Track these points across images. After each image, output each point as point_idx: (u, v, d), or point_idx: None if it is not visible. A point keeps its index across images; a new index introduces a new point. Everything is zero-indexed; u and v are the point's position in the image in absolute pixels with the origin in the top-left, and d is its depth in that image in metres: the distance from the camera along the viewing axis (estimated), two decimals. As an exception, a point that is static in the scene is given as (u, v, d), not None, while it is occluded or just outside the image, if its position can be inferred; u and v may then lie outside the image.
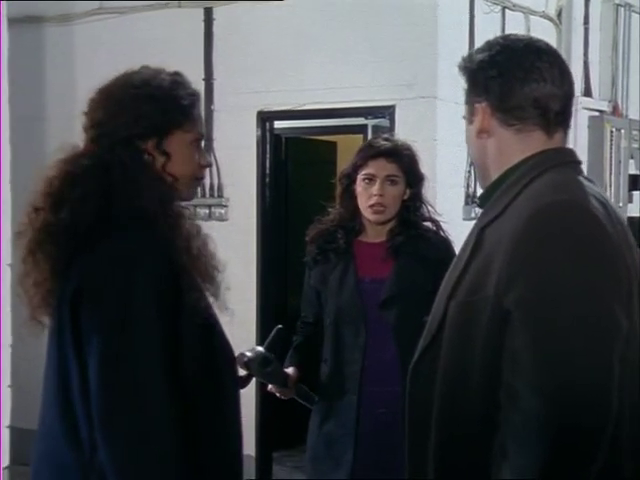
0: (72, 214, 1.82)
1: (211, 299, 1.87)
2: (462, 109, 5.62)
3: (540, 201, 1.64)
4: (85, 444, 1.77)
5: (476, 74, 1.76)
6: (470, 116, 1.79)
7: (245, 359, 2.79)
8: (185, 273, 1.80)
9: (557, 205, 1.62)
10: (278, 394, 3.00)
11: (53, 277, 1.83)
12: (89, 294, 1.77)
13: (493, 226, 1.71)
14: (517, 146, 1.74)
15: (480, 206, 1.86)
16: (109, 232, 1.81)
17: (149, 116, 1.88)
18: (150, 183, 1.85)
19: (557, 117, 1.74)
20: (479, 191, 5.80)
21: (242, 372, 2.78)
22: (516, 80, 1.72)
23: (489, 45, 1.78)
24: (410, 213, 3.04)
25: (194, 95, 1.96)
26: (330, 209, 3.13)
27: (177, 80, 1.95)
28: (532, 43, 1.77)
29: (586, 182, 1.72)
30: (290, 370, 2.98)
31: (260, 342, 5.38)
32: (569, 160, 1.76)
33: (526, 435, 1.55)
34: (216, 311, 1.89)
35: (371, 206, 2.97)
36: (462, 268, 1.73)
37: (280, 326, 2.92)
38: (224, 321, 1.90)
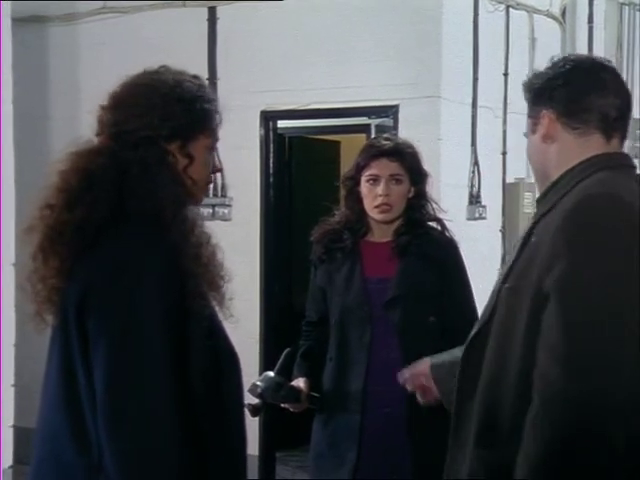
0: (86, 213, 1.80)
1: (216, 308, 1.87)
2: (466, 108, 5.55)
3: (584, 193, 1.78)
4: (93, 447, 1.76)
5: (542, 86, 1.92)
6: (533, 127, 1.94)
7: (259, 390, 2.84)
8: (192, 280, 1.79)
9: (596, 196, 1.76)
10: (292, 409, 3.01)
11: (60, 275, 1.81)
12: (95, 297, 1.75)
13: (543, 220, 1.86)
14: (577, 149, 1.87)
15: (538, 203, 1.98)
16: (120, 232, 1.80)
17: (178, 118, 1.86)
18: (169, 185, 1.83)
19: (616, 123, 1.89)
20: (483, 191, 5.77)
21: (254, 400, 2.81)
22: (582, 88, 1.88)
23: (554, 63, 1.95)
24: (415, 211, 3.04)
25: (215, 100, 1.96)
26: (335, 211, 3.12)
27: (201, 84, 1.95)
28: (596, 58, 1.98)
29: (635, 185, 1.83)
30: (301, 383, 2.99)
31: (263, 342, 5.39)
32: (623, 163, 1.89)
33: (550, 408, 1.67)
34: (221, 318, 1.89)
35: (377, 206, 2.97)
36: (514, 257, 1.89)
37: (289, 349, 2.96)
38: (228, 325, 1.90)
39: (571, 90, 1.88)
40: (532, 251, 1.83)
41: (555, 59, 1.97)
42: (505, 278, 1.89)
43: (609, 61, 1.95)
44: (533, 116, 1.94)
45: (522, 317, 1.79)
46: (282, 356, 2.92)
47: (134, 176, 1.82)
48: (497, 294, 1.90)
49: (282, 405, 2.98)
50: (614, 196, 1.76)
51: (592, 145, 1.87)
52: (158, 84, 1.88)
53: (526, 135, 2.00)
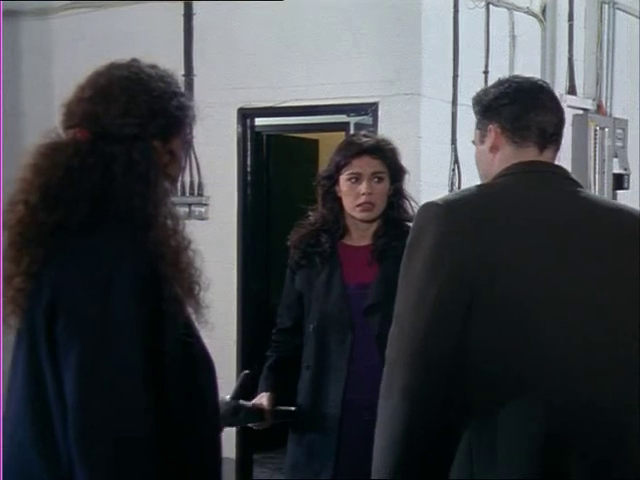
0: (67, 214, 1.72)
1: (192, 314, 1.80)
2: (446, 106, 5.53)
3: None
4: (63, 459, 1.67)
5: (490, 103, 2.18)
6: (482, 137, 2.20)
7: None
8: (168, 284, 1.72)
9: (433, 202, 2.04)
10: (256, 428, 2.94)
11: (28, 276, 1.73)
12: (66, 300, 1.67)
13: None
14: (513, 159, 2.14)
15: None
16: (95, 232, 1.72)
17: (165, 115, 1.80)
18: (156, 183, 1.77)
19: (551, 137, 2.16)
20: (464, 190, 5.65)
21: None
22: (524, 107, 2.15)
23: (500, 82, 2.22)
24: (394, 210, 2.98)
25: (189, 95, 1.92)
26: (310, 212, 3.05)
27: (175, 78, 1.91)
28: (535, 81, 2.24)
29: (513, 188, 2.08)
30: (264, 399, 2.91)
31: (240, 344, 5.32)
32: (535, 170, 2.13)
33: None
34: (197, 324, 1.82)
35: (359, 205, 2.91)
36: None
37: (247, 371, 2.88)
38: (204, 326, 1.83)
39: (514, 109, 2.14)
40: None
41: (501, 78, 2.26)
42: None
43: (546, 82, 2.26)
44: (481, 128, 2.20)
45: None
46: (239, 379, 2.83)
47: (120, 173, 1.74)
48: None
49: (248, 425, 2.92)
50: (440, 201, 2.03)
51: (525, 155, 2.14)
52: (143, 78, 1.81)
53: (474, 144, 2.26)
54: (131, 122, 1.76)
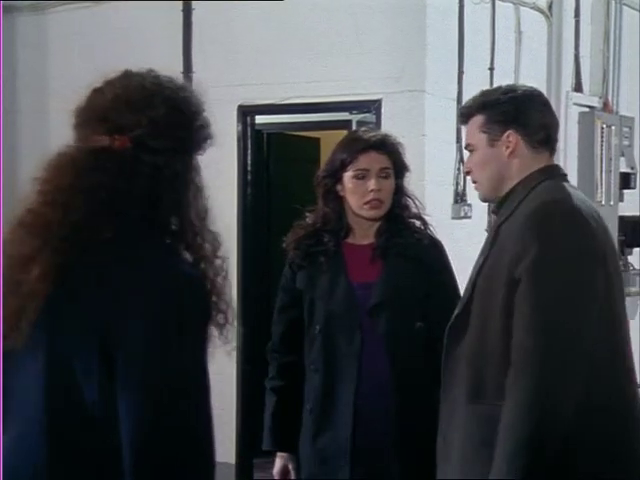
0: (118, 224, 1.65)
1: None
2: (451, 103, 5.42)
3: (541, 199, 2.26)
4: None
5: (507, 109, 2.32)
6: (491, 142, 2.33)
7: None
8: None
9: (553, 202, 2.25)
10: None
11: (51, 282, 1.62)
12: (128, 328, 1.57)
13: (507, 222, 2.30)
14: (532, 163, 2.33)
15: (498, 208, 2.38)
16: (148, 246, 1.66)
17: (200, 130, 1.78)
18: (198, 197, 1.77)
19: (555, 142, 2.39)
20: (468, 189, 5.66)
21: None
22: (537, 114, 2.34)
23: (507, 90, 2.38)
24: (396, 208, 2.90)
25: None
26: (307, 213, 2.96)
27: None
28: (534, 89, 2.43)
29: (571, 189, 2.34)
30: (278, 467, 2.94)
31: (241, 344, 5.23)
32: (560, 173, 2.39)
33: (524, 369, 2.13)
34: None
35: (368, 202, 2.82)
36: (486, 254, 2.32)
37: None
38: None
39: (531, 116, 2.32)
40: (500, 247, 2.27)
41: (504, 86, 2.44)
42: (480, 270, 2.31)
43: (538, 89, 2.44)
44: (489, 132, 2.33)
45: (497, 300, 2.22)
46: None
47: (165, 186, 1.69)
48: (474, 282, 2.32)
49: None
50: (563, 201, 2.24)
51: (542, 159, 2.34)
52: (185, 91, 1.77)
53: (469, 148, 2.38)
54: (173, 135, 1.71)
